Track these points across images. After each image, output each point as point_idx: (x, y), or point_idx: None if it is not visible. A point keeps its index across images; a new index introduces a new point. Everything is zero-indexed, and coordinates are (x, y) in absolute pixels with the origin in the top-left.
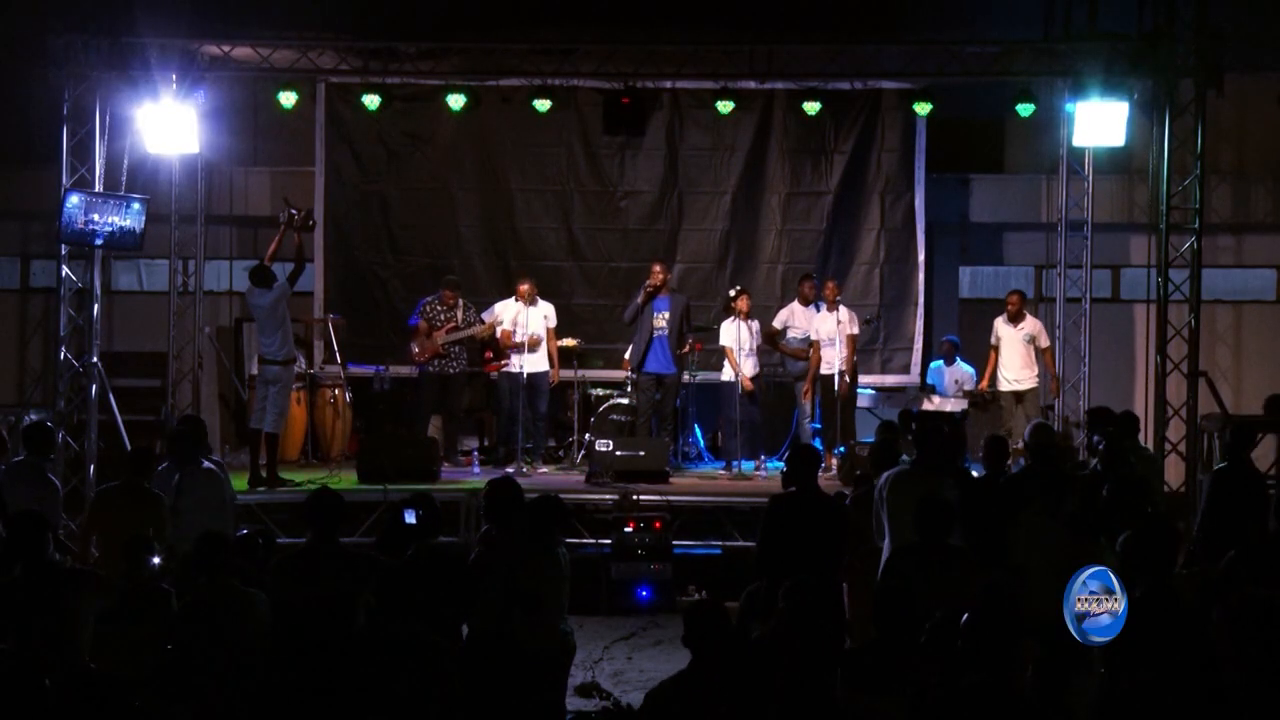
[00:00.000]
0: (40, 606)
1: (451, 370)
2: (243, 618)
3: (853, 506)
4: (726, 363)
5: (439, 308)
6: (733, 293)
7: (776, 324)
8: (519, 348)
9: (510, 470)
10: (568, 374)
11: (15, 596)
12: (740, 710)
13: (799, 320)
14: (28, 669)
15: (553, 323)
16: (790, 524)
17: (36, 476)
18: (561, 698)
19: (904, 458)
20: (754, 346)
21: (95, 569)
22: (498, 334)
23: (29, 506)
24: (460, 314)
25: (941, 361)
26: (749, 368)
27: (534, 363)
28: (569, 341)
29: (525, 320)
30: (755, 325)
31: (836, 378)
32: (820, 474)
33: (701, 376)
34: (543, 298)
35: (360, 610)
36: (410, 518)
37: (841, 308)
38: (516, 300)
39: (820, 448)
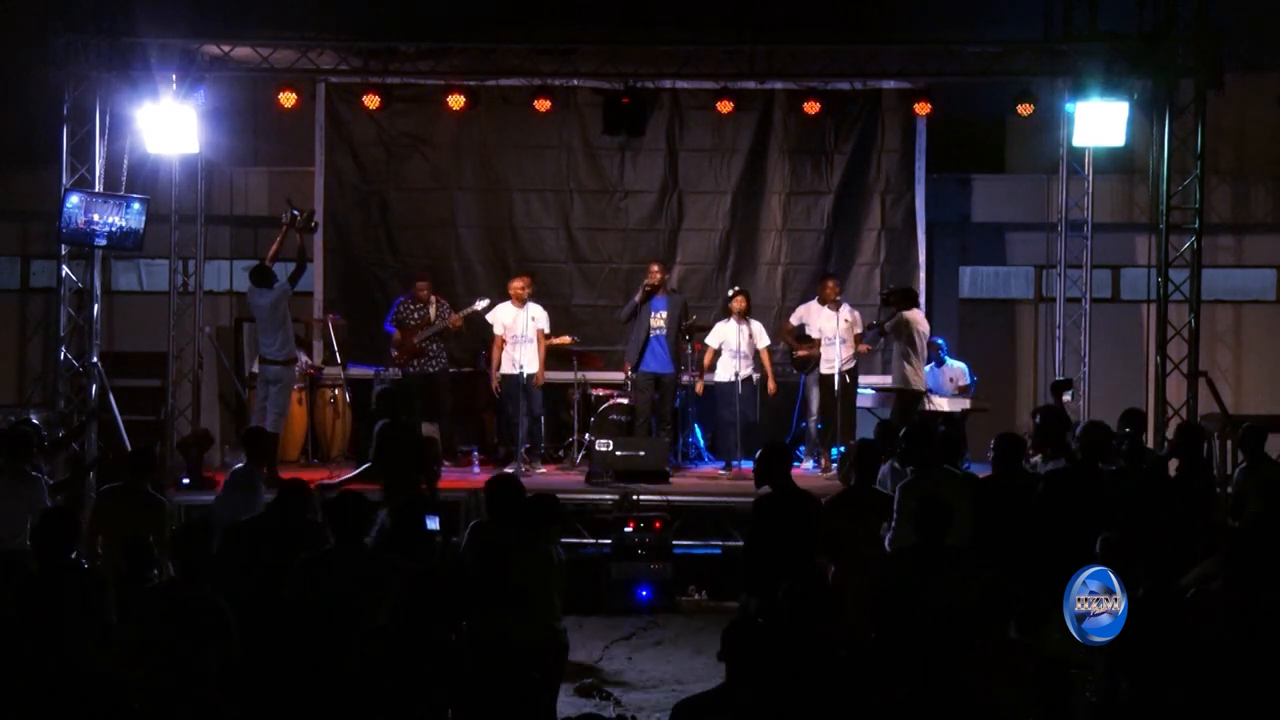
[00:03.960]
0: (62, 605)
1: (432, 369)
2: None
3: (825, 510)
4: (720, 363)
5: (411, 306)
6: (730, 293)
7: (794, 321)
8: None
9: (510, 470)
10: (567, 375)
11: (37, 594)
12: None
13: (813, 319)
14: (45, 668)
15: (541, 324)
16: (774, 524)
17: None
18: (554, 695)
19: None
20: (748, 348)
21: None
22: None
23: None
24: (433, 310)
25: (931, 364)
26: (742, 368)
27: (532, 364)
28: (564, 339)
29: (514, 322)
30: (753, 326)
31: (836, 377)
32: (821, 473)
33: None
34: (542, 299)
35: (383, 611)
36: (433, 524)
37: (845, 306)
38: (511, 301)
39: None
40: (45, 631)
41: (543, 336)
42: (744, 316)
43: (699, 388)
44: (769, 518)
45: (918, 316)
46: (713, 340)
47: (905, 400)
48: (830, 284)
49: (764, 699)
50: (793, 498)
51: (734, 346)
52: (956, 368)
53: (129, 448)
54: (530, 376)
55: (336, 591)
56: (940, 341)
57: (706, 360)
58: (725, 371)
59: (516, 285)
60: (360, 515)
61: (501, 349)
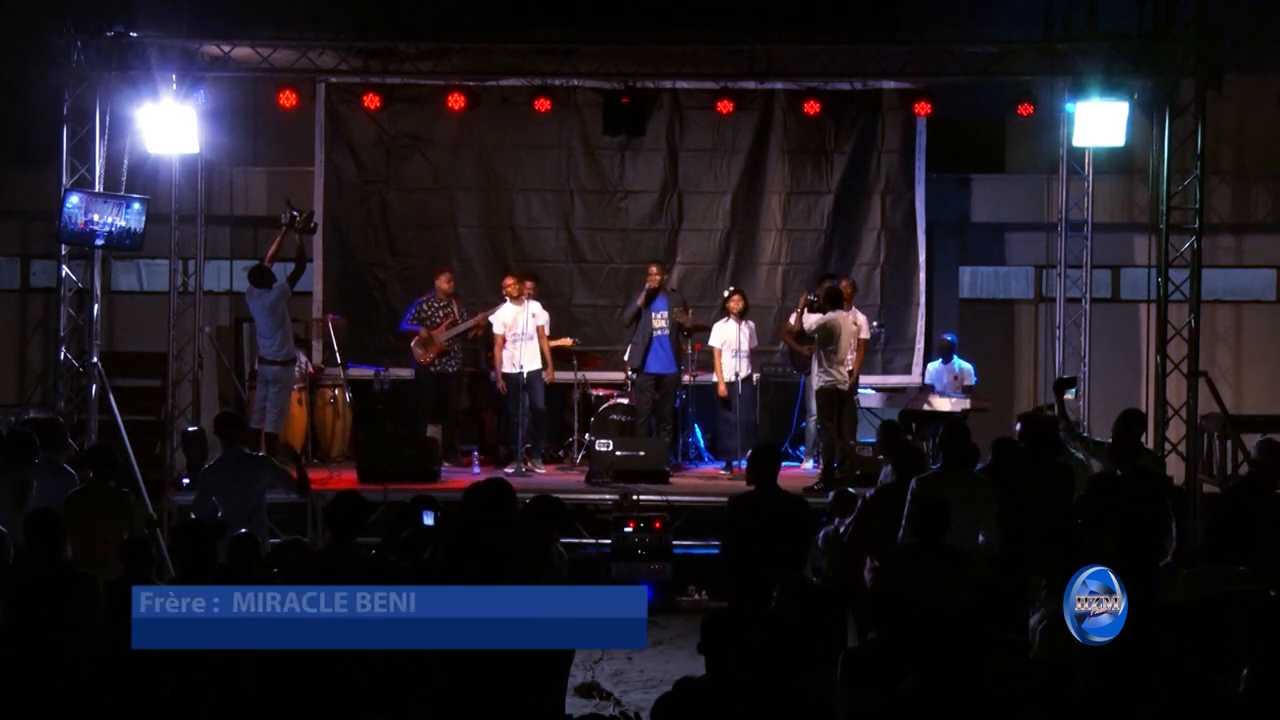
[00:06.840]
0: (52, 606)
1: (450, 369)
2: None
3: (864, 506)
4: (722, 363)
5: (435, 304)
6: (726, 293)
7: (793, 321)
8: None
9: (510, 470)
10: (567, 375)
11: (29, 595)
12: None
13: (812, 320)
14: (37, 668)
15: (541, 321)
16: (751, 523)
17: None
18: (561, 698)
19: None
20: (748, 347)
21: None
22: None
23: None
24: (456, 309)
25: (939, 360)
26: (742, 368)
27: (533, 362)
28: (565, 341)
29: (515, 320)
30: (752, 326)
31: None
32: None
33: (701, 377)
34: (542, 299)
35: None
36: (429, 519)
37: (855, 310)
38: (506, 299)
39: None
40: (41, 634)
41: (543, 333)
42: (742, 316)
43: (721, 390)
44: (741, 518)
45: (844, 318)
46: (715, 341)
47: (830, 398)
48: (826, 285)
49: (746, 690)
50: (773, 500)
51: (734, 346)
52: (963, 367)
53: (128, 447)
54: (530, 375)
55: None
56: (951, 339)
57: (716, 363)
58: (726, 371)
59: (509, 284)
60: (356, 515)
61: (503, 348)
